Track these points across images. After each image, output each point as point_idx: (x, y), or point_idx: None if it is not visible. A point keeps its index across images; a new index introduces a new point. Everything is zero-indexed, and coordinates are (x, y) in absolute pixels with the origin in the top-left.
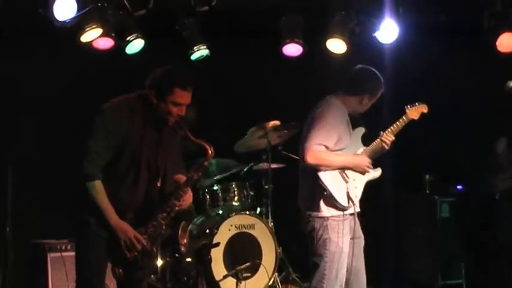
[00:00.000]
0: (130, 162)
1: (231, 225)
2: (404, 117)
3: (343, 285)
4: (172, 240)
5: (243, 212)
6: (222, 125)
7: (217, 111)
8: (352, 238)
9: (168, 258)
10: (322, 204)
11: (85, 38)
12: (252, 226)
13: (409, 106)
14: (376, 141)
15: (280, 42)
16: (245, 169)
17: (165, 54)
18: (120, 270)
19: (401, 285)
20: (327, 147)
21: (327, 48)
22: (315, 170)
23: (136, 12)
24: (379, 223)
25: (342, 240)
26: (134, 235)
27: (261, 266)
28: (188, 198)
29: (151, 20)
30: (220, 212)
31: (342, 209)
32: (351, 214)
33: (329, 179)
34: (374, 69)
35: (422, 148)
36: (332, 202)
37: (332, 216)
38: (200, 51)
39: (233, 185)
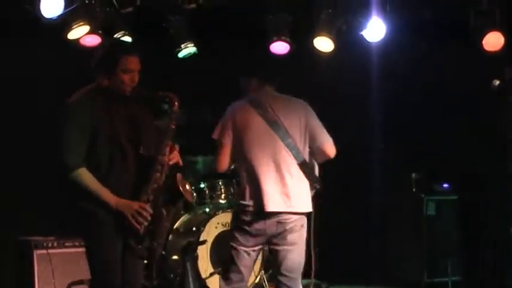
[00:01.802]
0: (111, 144)
1: (218, 223)
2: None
3: None
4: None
5: (229, 210)
6: (209, 122)
7: (204, 108)
8: None
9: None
10: (310, 200)
11: (72, 35)
12: None
13: None
14: None
15: (267, 40)
16: (232, 167)
17: (152, 52)
18: (140, 247)
19: (387, 283)
20: None
21: (314, 47)
22: (313, 165)
23: (123, 10)
24: (366, 221)
25: None
26: (139, 205)
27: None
28: (175, 154)
29: (139, 17)
30: (207, 209)
31: None
32: None
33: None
34: None
35: (408, 146)
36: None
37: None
38: (188, 49)
39: (220, 183)
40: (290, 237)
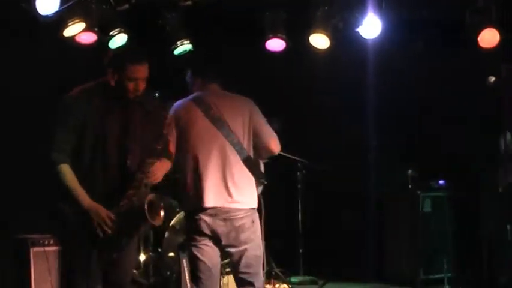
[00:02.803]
0: (96, 145)
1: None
2: None
3: None
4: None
5: None
6: None
7: None
8: None
9: (150, 253)
10: (256, 196)
11: (68, 32)
12: None
13: None
14: None
15: (263, 37)
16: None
17: (148, 49)
18: (105, 255)
19: (383, 280)
20: None
21: (310, 44)
22: (258, 160)
23: (119, 7)
24: (362, 218)
25: None
26: (106, 214)
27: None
28: (156, 170)
29: (134, 15)
30: None
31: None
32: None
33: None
34: None
35: (404, 143)
36: (259, 192)
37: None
38: (183, 46)
39: None
40: (243, 236)
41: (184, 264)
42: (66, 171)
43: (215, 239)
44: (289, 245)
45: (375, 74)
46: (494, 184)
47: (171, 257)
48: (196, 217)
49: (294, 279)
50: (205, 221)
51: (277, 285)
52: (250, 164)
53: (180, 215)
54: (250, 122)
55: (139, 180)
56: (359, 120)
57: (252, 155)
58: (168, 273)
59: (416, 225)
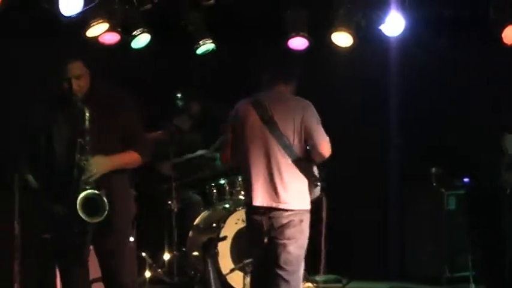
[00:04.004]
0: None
1: (238, 219)
2: None
3: None
4: None
5: None
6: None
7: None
8: None
9: (175, 253)
10: (308, 197)
11: (91, 32)
12: None
13: None
14: None
15: (285, 35)
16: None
17: (171, 49)
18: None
19: (407, 279)
20: None
21: (332, 42)
22: (310, 161)
23: (142, 7)
24: (385, 217)
25: None
26: None
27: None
28: (90, 167)
29: (157, 15)
30: (227, 205)
31: (313, 199)
32: None
33: (316, 171)
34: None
35: (428, 141)
36: (313, 194)
37: (309, 210)
38: (206, 45)
39: (239, 179)
40: (288, 232)
41: (209, 264)
42: None
43: (263, 233)
44: (312, 244)
45: (398, 72)
46: None
47: (196, 256)
48: (249, 214)
49: (318, 278)
50: (254, 219)
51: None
52: (300, 165)
53: (204, 214)
54: (301, 124)
55: (76, 178)
56: (381, 118)
57: (303, 156)
58: (192, 272)
59: (441, 223)
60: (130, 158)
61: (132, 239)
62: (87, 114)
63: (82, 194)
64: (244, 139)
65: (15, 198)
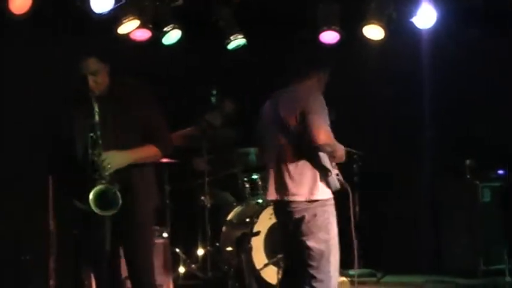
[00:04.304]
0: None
1: (271, 214)
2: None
3: None
4: None
5: None
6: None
7: (254, 100)
8: None
9: (208, 248)
10: (321, 187)
11: (122, 29)
12: None
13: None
14: None
15: (317, 29)
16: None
17: (201, 45)
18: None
19: (442, 272)
20: None
21: (364, 35)
22: (315, 151)
23: (173, 3)
24: (419, 210)
25: (335, 222)
26: None
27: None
28: (103, 162)
29: (188, 11)
30: (260, 200)
31: (334, 191)
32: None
33: (326, 161)
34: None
35: (460, 133)
36: (329, 185)
37: (328, 200)
38: (237, 41)
39: None
40: (303, 227)
41: (243, 259)
42: None
43: (283, 229)
44: (346, 238)
45: (429, 64)
46: None
47: (229, 251)
48: (273, 211)
49: (352, 272)
50: (276, 215)
51: None
52: (308, 156)
53: (237, 209)
54: (302, 114)
55: (89, 173)
56: (414, 110)
57: (310, 147)
58: (226, 267)
59: (475, 216)
60: (148, 152)
61: (165, 234)
62: (96, 109)
63: (95, 188)
64: (262, 138)
65: (49, 196)
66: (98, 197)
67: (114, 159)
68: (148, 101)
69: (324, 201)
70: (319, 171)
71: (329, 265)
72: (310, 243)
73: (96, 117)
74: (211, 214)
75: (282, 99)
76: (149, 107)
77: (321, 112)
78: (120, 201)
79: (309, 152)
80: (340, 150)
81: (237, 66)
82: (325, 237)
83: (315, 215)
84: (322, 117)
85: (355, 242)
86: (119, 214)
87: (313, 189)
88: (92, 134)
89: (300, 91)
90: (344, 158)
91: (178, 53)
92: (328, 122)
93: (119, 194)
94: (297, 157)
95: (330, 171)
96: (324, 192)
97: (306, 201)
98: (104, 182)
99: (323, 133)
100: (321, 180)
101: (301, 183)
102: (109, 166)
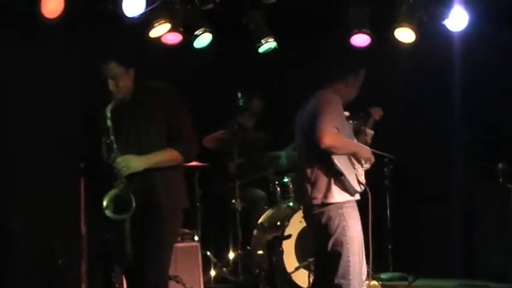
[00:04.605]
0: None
1: (302, 217)
2: (372, 118)
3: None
4: None
5: None
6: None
7: (285, 102)
8: None
9: (239, 251)
10: (336, 190)
11: (154, 33)
12: None
13: (371, 108)
14: (360, 136)
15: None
16: None
17: (232, 48)
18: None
19: (473, 276)
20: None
21: (395, 38)
22: (327, 154)
23: (203, 7)
24: (451, 213)
25: (358, 225)
26: None
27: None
28: (118, 165)
29: (219, 14)
30: (291, 204)
31: (353, 193)
32: (356, 201)
33: (341, 164)
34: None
35: (494, 136)
36: (345, 187)
37: (345, 203)
38: (268, 44)
39: None
40: (322, 231)
41: (275, 262)
42: None
43: (310, 232)
44: (377, 241)
45: (461, 67)
46: None
47: (260, 254)
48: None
49: (383, 275)
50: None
51: (366, 282)
52: (321, 159)
53: (268, 212)
54: (313, 115)
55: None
56: (446, 113)
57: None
58: (257, 271)
59: (509, 220)
60: (168, 157)
61: (196, 238)
62: (108, 114)
63: (109, 193)
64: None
65: (81, 199)
66: (112, 201)
67: (130, 163)
68: (172, 104)
69: (340, 204)
70: (333, 175)
71: (348, 268)
72: (328, 246)
73: (108, 122)
74: (243, 217)
75: (308, 103)
76: (173, 110)
77: (328, 113)
78: (134, 205)
79: (321, 155)
80: (361, 151)
81: (267, 68)
82: (342, 239)
83: (330, 218)
84: (329, 118)
85: (370, 245)
86: (138, 217)
87: (327, 193)
88: (104, 139)
89: (321, 94)
90: (372, 159)
91: (209, 57)
92: (337, 124)
93: (132, 197)
94: (313, 161)
95: (342, 174)
96: (339, 195)
97: (321, 204)
98: (120, 185)
99: (326, 135)
100: (335, 183)
101: (317, 187)
102: (124, 169)
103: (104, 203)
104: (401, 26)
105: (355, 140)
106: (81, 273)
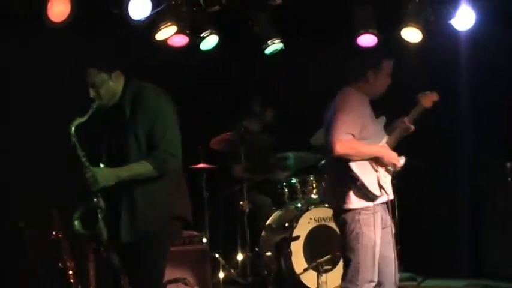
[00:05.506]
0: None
1: (310, 218)
2: (418, 106)
3: (377, 276)
4: None
5: (322, 205)
6: (298, 118)
7: (292, 104)
8: (383, 227)
9: (248, 253)
10: (352, 196)
11: (160, 35)
12: (331, 218)
13: (420, 94)
14: (398, 129)
15: (354, 33)
16: (322, 162)
17: (239, 49)
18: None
19: (481, 276)
20: (353, 136)
21: (401, 38)
22: (344, 161)
23: (210, 9)
24: (460, 213)
25: (374, 232)
26: None
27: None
28: (88, 180)
29: (225, 16)
30: (299, 205)
31: (373, 198)
32: (383, 203)
33: (359, 169)
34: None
35: (502, 135)
36: (363, 192)
37: (363, 209)
38: (274, 45)
39: (311, 178)
40: (339, 235)
41: (283, 263)
42: None
43: None
44: None
45: (468, 66)
46: None
47: (269, 256)
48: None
49: None
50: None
51: None
52: (336, 162)
53: (276, 213)
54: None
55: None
56: (453, 113)
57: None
58: (266, 272)
59: None
60: (140, 170)
61: (204, 240)
62: (72, 128)
63: (80, 207)
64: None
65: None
66: (82, 215)
67: (98, 178)
68: (153, 111)
69: (357, 210)
70: (349, 179)
71: (357, 275)
72: (342, 250)
73: (72, 138)
74: (251, 219)
75: (332, 102)
76: (154, 118)
77: (343, 116)
78: (99, 220)
79: (339, 159)
80: (385, 156)
81: (274, 69)
82: (354, 246)
83: (346, 223)
84: (344, 122)
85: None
86: (118, 229)
87: (343, 198)
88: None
89: (340, 94)
90: (397, 163)
91: (215, 58)
92: (356, 126)
93: (99, 213)
94: (332, 165)
95: (358, 179)
96: (357, 201)
97: (340, 210)
98: (93, 201)
99: (338, 144)
100: (353, 189)
101: (335, 192)
102: (93, 184)
103: (74, 217)
104: (407, 26)
105: (386, 138)
106: (89, 276)
